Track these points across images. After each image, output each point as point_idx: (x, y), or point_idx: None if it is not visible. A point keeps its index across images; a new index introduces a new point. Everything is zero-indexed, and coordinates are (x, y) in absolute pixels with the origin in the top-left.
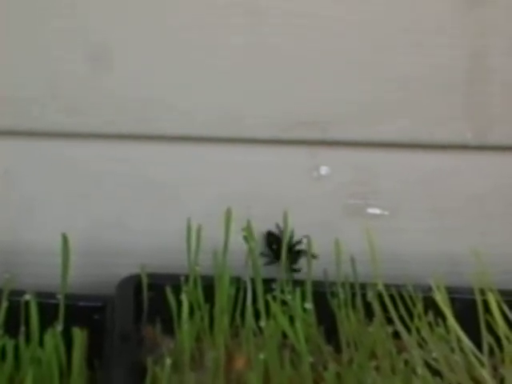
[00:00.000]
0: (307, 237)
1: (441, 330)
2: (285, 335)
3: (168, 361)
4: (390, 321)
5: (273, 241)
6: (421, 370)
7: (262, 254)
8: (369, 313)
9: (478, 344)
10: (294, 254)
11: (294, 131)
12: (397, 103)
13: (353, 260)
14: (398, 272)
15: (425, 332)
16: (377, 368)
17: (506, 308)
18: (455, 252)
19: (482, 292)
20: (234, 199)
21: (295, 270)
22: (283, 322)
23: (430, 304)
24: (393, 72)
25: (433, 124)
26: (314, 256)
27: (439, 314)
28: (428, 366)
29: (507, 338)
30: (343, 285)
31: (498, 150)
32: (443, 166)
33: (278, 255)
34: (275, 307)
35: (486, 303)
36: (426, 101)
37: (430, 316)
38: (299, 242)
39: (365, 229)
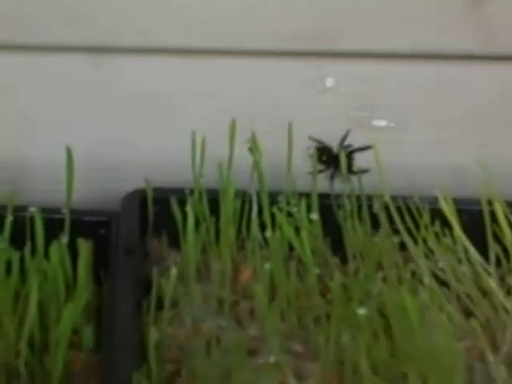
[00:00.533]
0: (310, 148)
1: (447, 240)
2: (291, 247)
3: (173, 271)
4: (396, 232)
5: (321, 153)
6: (427, 280)
7: (314, 173)
8: (375, 224)
9: (485, 255)
10: (349, 158)
11: (298, 43)
12: (399, 15)
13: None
14: (404, 184)
15: (431, 243)
16: (383, 279)
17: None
18: (460, 163)
19: (489, 203)
20: (238, 112)
21: (363, 171)
22: (289, 232)
23: (437, 215)
24: None
25: (438, 34)
26: (364, 171)
27: (446, 225)
28: (435, 276)
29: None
30: (349, 197)
31: (502, 60)
32: (448, 76)
33: (333, 164)
34: (281, 218)
35: (492, 214)
36: (427, 12)
37: (437, 227)
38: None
39: (371, 140)
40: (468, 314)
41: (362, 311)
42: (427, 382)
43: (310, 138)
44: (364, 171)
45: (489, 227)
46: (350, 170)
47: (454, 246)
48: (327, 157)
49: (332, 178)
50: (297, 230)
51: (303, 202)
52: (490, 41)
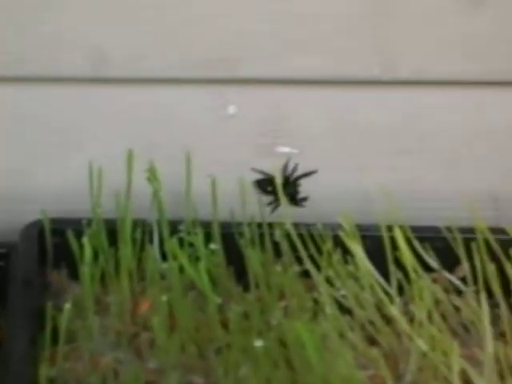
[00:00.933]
0: (211, 176)
1: (350, 267)
2: None
3: (67, 305)
4: (300, 260)
5: (265, 185)
6: (329, 308)
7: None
8: (278, 253)
9: (389, 281)
10: (293, 186)
11: (200, 69)
12: (306, 39)
13: (259, 200)
14: (309, 211)
15: (334, 270)
16: (285, 308)
17: (417, 244)
18: (367, 189)
19: (391, 229)
20: (140, 140)
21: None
22: (184, 262)
23: (341, 242)
24: (301, 7)
25: (342, 60)
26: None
27: (350, 252)
28: (339, 304)
29: (416, 275)
30: (249, 225)
31: (406, 85)
32: (353, 102)
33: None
34: (175, 248)
35: (392, 240)
36: (335, 37)
37: (339, 254)
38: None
39: (272, 168)
40: (372, 341)
41: (259, 343)
42: None
43: (253, 169)
44: (305, 199)
45: (389, 253)
46: (293, 198)
47: (357, 272)
48: (272, 187)
49: (275, 207)
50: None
51: (201, 232)
52: (392, 66)
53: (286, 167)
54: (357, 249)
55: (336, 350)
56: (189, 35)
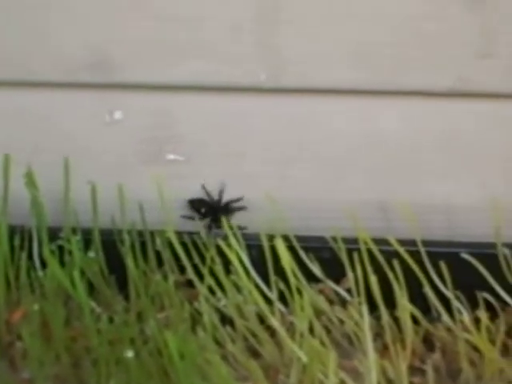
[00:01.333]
0: (91, 182)
1: (233, 277)
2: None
3: None
4: (183, 269)
5: (199, 206)
6: (207, 318)
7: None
8: (160, 261)
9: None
10: (228, 210)
11: (84, 74)
12: (191, 44)
13: (141, 207)
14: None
15: (216, 280)
16: (166, 318)
17: (302, 254)
18: (253, 197)
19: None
20: (19, 146)
21: (241, 228)
22: (57, 270)
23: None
24: (187, 12)
25: (227, 66)
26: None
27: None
28: (220, 314)
29: (299, 285)
30: (129, 232)
31: (292, 93)
32: (238, 109)
33: (212, 216)
34: (48, 255)
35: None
36: (220, 42)
37: (221, 264)
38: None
39: (156, 175)
40: (254, 352)
41: (129, 353)
42: None
43: (203, 187)
44: (243, 228)
45: (272, 263)
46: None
47: (240, 282)
48: (205, 208)
49: (210, 228)
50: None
51: (80, 239)
52: (277, 73)
53: (221, 193)
54: (236, 259)
55: (212, 361)
56: (72, 38)
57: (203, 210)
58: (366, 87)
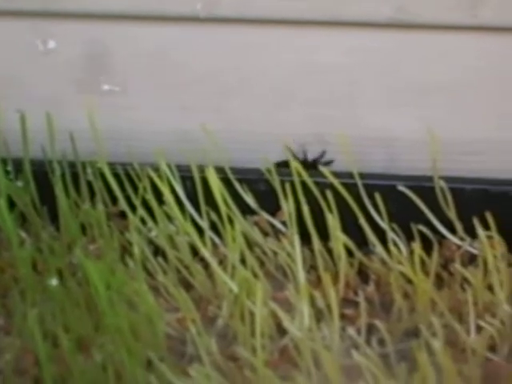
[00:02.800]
0: (20, 111)
1: (166, 208)
2: None
3: None
4: (115, 200)
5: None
6: (138, 248)
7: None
8: (93, 193)
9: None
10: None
11: (17, 2)
12: None
13: (72, 137)
14: (125, 150)
15: (148, 211)
16: (97, 249)
17: (237, 186)
18: (189, 129)
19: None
20: None
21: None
22: None
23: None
24: None
25: None
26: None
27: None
28: (153, 245)
29: (232, 217)
30: (60, 162)
31: (229, 22)
32: (175, 38)
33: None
34: None
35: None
36: None
37: (154, 195)
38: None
39: (89, 105)
40: (186, 284)
41: (54, 281)
42: (131, 352)
43: (288, 148)
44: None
45: (203, 195)
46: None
47: (172, 213)
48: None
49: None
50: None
51: (10, 169)
52: (214, 2)
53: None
54: (168, 190)
55: (140, 291)
56: None
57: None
58: (305, 17)
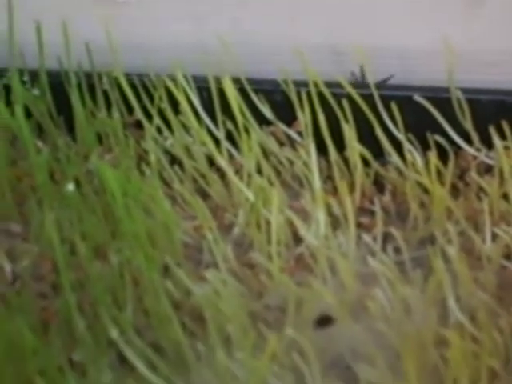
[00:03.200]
0: (37, 21)
1: (182, 118)
2: None
3: None
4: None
5: None
6: (154, 156)
7: None
8: (109, 103)
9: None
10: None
11: None
12: None
13: (88, 48)
14: (143, 61)
15: (165, 121)
16: (113, 158)
17: (254, 96)
18: (204, 39)
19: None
20: None
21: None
22: (2, 110)
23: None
24: None
25: None
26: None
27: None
28: (169, 155)
29: (245, 128)
30: (77, 73)
31: None
32: None
33: None
34: None
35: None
36: None
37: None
38: None
39: (105, 16)
40: (203, 194)
41: (70, 187)
42: (148, 258)
43: (353, 74)
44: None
45: (220, 105)
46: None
47: (190, 123)
48: None
49: None
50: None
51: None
52: None
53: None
54: (185, 100)
55: (156, 197)
56: None
57: None
58: None
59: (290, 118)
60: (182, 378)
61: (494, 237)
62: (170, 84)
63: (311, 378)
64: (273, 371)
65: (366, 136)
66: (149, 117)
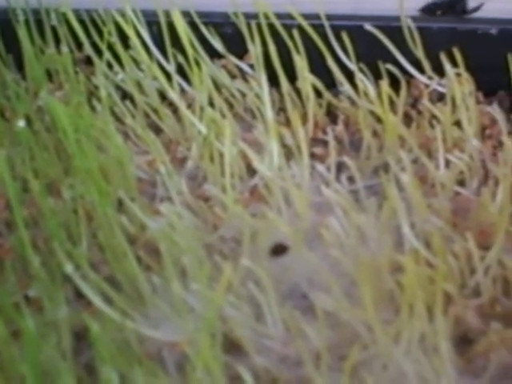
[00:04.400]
0: None
1: (133, 53)
2: None
3: None
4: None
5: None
6: (105, 91)
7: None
8: (57, 39)
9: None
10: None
11: None
12: None
13: None
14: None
15: (115, 56)
16: (64, 95)
17: (204, 29)
18: None
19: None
20: None
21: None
22: None
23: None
24: None
25: None
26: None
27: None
28: (121, 90)
29: (196, 61)
30: (24, 10)
31: None
32: None
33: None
34: None
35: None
36: None
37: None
38: None
39: None
40: (155, 128)
41: (21, 123)
42: (102, 193)
43: None
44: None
45: (170, 39)
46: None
47: (139, 57)
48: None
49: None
50: None
51: None
52: None
53: None
54: (134, 34)
55: (108, 132)
56: None
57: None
58: None
59: (241, 51)
60: (139, 311)
61: (448, 164)
62: (120, 19)
63: (268, 307)
64: (229, 302)
65: (318, 67)
66: (99, 53)
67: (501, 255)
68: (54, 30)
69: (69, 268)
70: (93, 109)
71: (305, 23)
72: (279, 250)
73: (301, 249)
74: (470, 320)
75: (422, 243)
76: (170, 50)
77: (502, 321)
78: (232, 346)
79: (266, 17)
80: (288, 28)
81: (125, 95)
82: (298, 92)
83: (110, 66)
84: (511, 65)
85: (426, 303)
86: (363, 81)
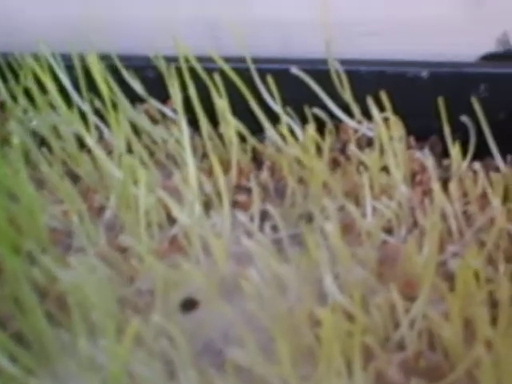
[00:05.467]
0: None
1: (49, 97)
2: None
3: None
4: None
5: None
6: (17, 139)
7: None
8: None
9: None
10: None
11: None
12: None
13: None
14: (5, 39)
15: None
16: None
17: (125, 73)
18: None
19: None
20: None
21: None
22: None
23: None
24: None
25: None
26: None
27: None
28: (37, 136)
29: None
30: None
31: None
32: None
33: None
34: None
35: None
36: None
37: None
38: None
39: None
40: (73, 176)
41: None
42: (12, 245)
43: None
44: None
45: (83, 83)
46: None
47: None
48: None
49: None
50: None
51: None
52: None
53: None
54: (49, 79)
55: (21, 182)
56: None
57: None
58: None
59: (164, 95)
60: (45, 369)
61: (375, 211)
62: (35, 64)
63: (181, 364)
64: (139, 358)
65: (244, 112)
66: (14, 98)
67: (426, 307)
68: None
69: None
70: (5, 156)
71: (227, 66)
72: (189, 304)
73: (215, 302)
74: (392, 375)
75: (345, 295)
76: (86, 94)
77: (426, 376)
78: None
79: (187, 60)
80: (210, 71)
81: (42, 142)
82: (221, 137)
83: (26, 111)
84: (442, 109)
85: (346, 358)
86: (290, 125)
